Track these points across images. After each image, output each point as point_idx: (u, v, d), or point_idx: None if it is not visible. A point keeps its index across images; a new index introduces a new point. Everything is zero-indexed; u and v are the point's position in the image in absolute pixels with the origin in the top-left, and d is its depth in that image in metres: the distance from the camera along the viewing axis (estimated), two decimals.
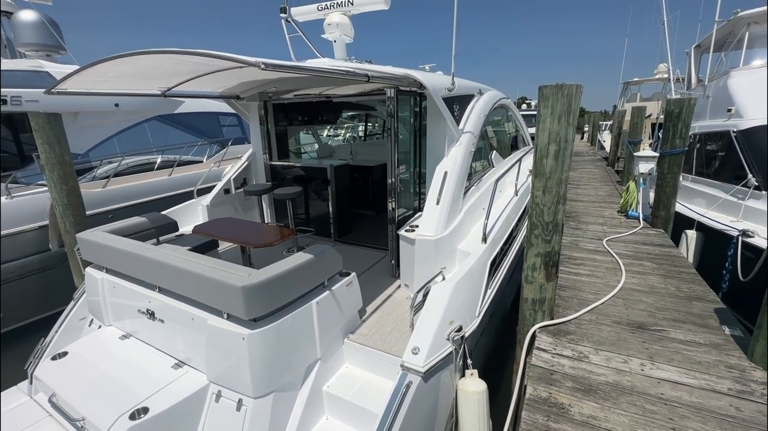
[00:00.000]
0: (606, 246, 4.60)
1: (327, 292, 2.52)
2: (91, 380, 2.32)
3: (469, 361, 2.46)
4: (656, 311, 3.12)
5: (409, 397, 2.12)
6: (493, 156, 4.74)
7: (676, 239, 5.08)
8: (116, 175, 6.22)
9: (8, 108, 5.38)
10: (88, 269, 2.94)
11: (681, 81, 10.04)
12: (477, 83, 4.74)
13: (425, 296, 2.59)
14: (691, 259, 4.76)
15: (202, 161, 7.90)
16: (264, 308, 2.13)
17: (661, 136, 5.52)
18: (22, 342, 4.86)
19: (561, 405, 2.15)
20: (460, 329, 2.45)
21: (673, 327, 2.88)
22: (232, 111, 8.97)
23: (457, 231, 3.31)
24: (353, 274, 2.77)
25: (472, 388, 2.34)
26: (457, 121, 3.80)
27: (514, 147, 6.27)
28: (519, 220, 4.20)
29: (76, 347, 2.64)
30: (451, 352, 2.37)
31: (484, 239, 3.14)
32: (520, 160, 4.75)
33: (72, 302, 3.32)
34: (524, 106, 26.59)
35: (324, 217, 4.56)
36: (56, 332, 3.17)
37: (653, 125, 11.40)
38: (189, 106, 8.01)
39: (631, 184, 5.90)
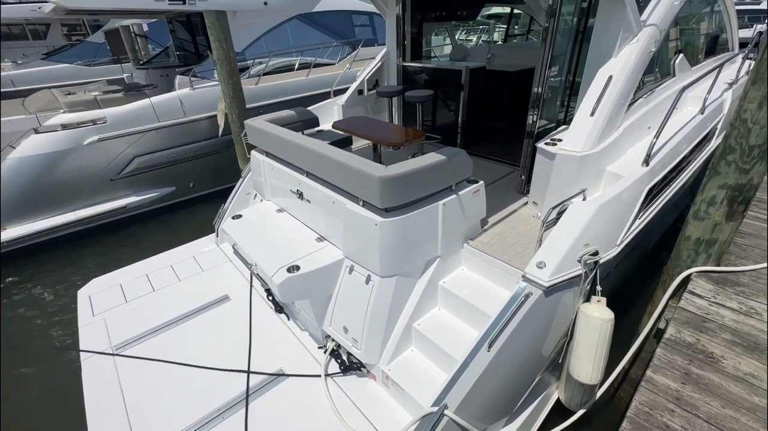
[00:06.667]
0: None
1: (454, 195, 2.53)
2: (259, 238, 2.92)
3: (598, 288, 2.29)
4: None
5: (526, 307, 2.13)
6: (677, 62, 3.69)
7: None
8: (264, 74, 6.91)
9: (186, 7, 6.17)
10: (253, 152, 3.49)
11: None
12: None
13: (560, 214, 2.39)
14: None
15: (334, 64, 8.15)
16: (396, 200, 2.26)
17: None
18: (207, 206, 6.32)
19: (711, 354, 1.90)
20: (595, 253, 2.25)
21: None
22: (364, 9, 8.75)
23: (610, 150, 2.83)
24: (481, 182, 2.69)
25: (597, 314, 2.21)
26: (640, 9, 2.97)
27: (710, 53, 4.75)
28: (696, 147, 3.36)
29: (247, 212, 3.29)
30: (579, 274, 2.23)
31: (647, 162, 2.63)
32: (719, 68, 3.59)
33: (241, 179, 4.07)
34: None
35: (451, 125, 4.38)
36: (231, 200, 4.00)
37: None
38: (325, 5, 8.03)
39: None
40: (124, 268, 3.81)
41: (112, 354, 2.80)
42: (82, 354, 2.81)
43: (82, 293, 3.46)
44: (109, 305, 3.31)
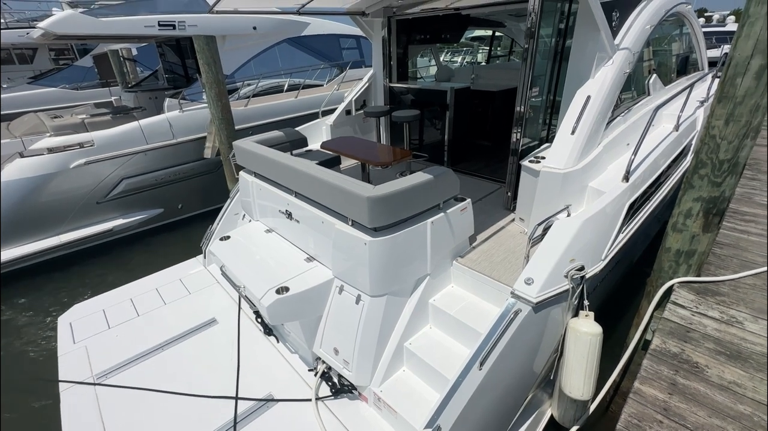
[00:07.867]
0: None
1: (442, 214, 2.56)
2: (247, 259, 2.90)
3: (585, 302, 2.33)
4: None
5: (515, 323, 2.14)
6: (651, 81, 3.87)
7: None
8: (254, 96, 7.01)
9: (176, 32, 6.29)
10: (242, 173, 3.50)
11: None
12: None
13: (546, 230, 2.44)
14: None
15: (322, 85, 8.31)
16: (385, 219, 2.28)
17: None
18: (196, 227, 6.26)
19: (695, 364, 1.93)
20: (581, 268, 2.29)
21: None
22: (352, 33, 9.01)
23: (592, 167, 2.93)
24: (468, 200, 2.74)
25: (585, 329, 2.24)
26: (614, 33, 3.13)
27: (682, 72, 5.00)
28: (673, 162, 3.49)
29: (236, 234, 3.27)
30: (567, 290, 2.26)
31: (626, 178, 2.73)
32: (690, 87, 3.78)
33: (229, 200, 4.06)
34: (702, 20, 20.31)
35: (438, 143, 4.48)
36: (219, 221, 3.97)
37: None
38: (313, 28, 8.26)
39: None
40: (107, 293, 3.72)
41: (93, 384, 2.70)
42: (61, 384, 2.71)
43: (63, 320, 3.36)
44: (91, 331, 3.21)
